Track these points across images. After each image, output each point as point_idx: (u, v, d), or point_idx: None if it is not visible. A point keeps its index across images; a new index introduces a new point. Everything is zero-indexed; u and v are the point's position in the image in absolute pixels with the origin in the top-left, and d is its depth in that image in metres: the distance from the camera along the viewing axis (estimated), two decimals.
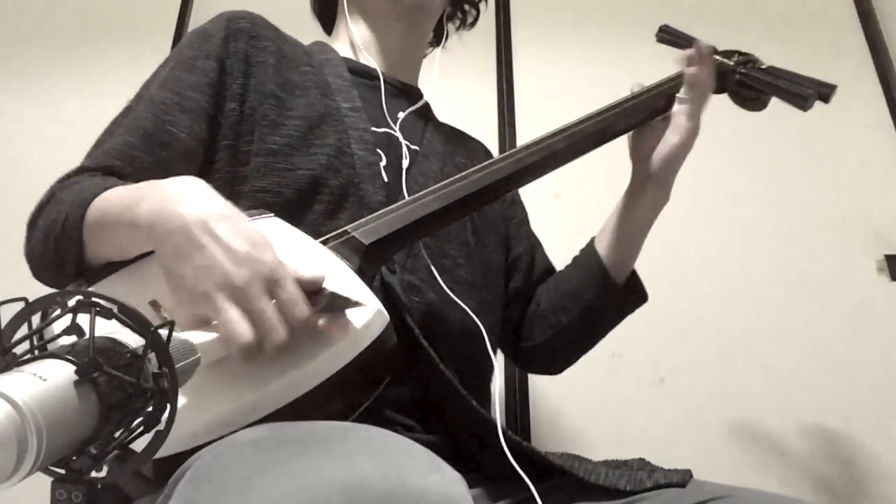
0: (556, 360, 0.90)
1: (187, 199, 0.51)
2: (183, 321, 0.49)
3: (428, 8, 0.89)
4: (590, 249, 0.86)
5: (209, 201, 0.52)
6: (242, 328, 0.46)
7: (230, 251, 0.48)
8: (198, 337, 0.45)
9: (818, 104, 0.80)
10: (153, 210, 0.51)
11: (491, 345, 0.71)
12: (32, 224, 0.65)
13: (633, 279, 0.85)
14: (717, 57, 0.86)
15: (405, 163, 0.78)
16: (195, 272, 0.48)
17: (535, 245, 0.95)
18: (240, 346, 0.46)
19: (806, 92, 0.81)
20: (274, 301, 0.48)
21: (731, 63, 0.87)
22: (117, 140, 0.68)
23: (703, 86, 0.80)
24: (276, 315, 0.48)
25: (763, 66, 0.88)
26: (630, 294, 0.85)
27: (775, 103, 0.87)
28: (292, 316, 0.48)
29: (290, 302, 0.48)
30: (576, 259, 0.89)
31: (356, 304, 0.53)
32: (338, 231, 0.64)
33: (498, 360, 0.77)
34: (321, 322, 0.53)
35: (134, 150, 0.67)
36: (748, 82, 0.86)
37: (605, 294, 0.83)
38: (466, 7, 0.99)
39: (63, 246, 0.59)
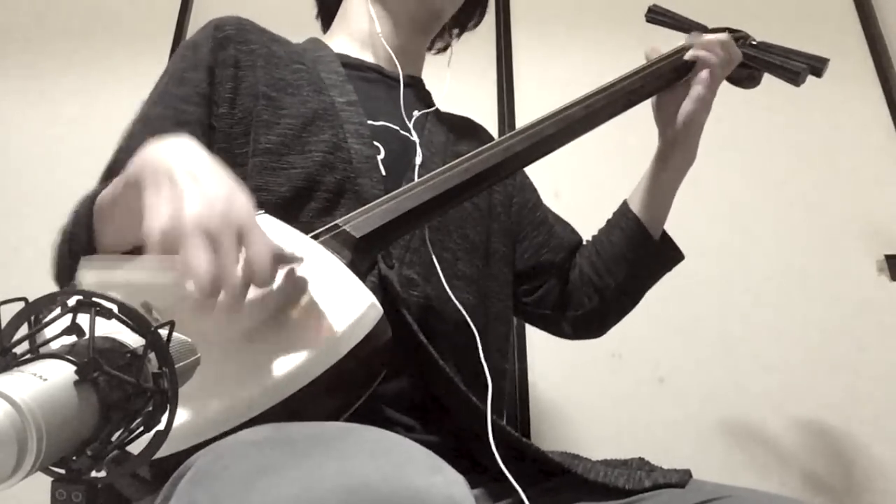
0: (605, 321, 0.93)
1: (177, 151, 0.52)
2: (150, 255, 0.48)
3: (445, 16, 0.92)
4: (625, 211, 0.89)
5: (198, 155, 0.53)
6: (203, 260, 0.45)
7: (208, 194, 0.48)
8: (159, 262, 0.45)
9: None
10: (143, 159, 0.53)
11: (499, 335, 0.70)
12: (56, 243, 0.66)
13: (666, 237, 0.89)
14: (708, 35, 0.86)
15: (418, 158, 0.78)
16: (171, 203, 0.48)
17: (553, 225, 0.96)
18: (197, 277, 0.44)
19: (798, 67, 0.82)
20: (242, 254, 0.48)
21: None
22: (121, 163, 0.69)
23: (717, 66, 0.82)
24: (239, 263, 0.47)
25: (754, 42, 0.88)
26: (668, 250, 0.89)
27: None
28: (252, 272, 0.47)
29: (256, 256, 0.47)
30: (611, 222, 0.91)
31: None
32: (328, 225, 0.64)
33: None
34: (315, 317, 0.53)
35: None
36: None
37: (647, 251, 0.87)
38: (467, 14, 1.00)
39: (77, 236, 0.60)
